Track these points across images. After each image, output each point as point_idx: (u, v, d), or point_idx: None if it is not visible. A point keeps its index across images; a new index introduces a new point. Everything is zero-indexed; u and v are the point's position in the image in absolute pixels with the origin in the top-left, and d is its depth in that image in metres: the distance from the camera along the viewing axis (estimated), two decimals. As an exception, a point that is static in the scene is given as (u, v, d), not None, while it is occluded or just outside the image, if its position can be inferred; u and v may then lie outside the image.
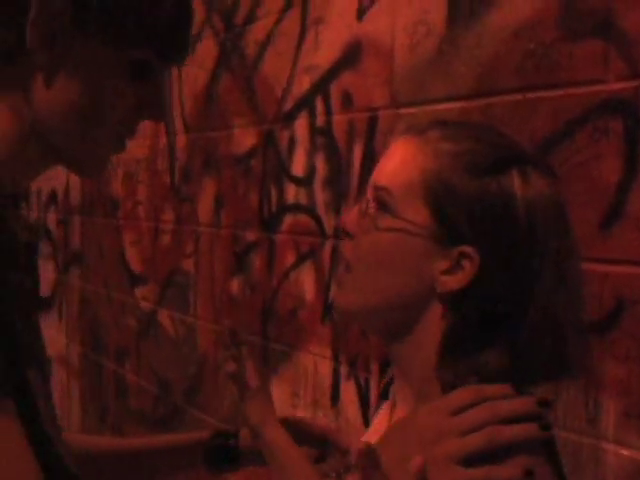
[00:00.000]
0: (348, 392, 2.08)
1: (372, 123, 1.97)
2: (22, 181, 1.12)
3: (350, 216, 1.10)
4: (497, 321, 1.01)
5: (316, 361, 2.21)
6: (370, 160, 1.99)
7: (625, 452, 1.38)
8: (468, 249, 1.01)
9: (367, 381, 2.01)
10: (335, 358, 2.13)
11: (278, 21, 2.34)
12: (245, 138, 2.56)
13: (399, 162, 1.06)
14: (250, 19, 2.49)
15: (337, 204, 2.12)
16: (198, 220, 2.87)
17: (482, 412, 0.96)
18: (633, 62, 1.35)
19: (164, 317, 3.15)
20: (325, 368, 2.18)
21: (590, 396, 1.43)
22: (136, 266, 3.41)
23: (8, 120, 1.04)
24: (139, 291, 3.39)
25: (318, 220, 2.20)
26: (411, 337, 1.06)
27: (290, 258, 2.34)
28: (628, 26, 1.35)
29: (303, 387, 2.26)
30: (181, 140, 2.99)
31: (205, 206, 2.82)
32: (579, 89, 1.44)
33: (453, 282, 1.02)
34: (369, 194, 1.08)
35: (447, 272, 1.02)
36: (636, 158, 1.35)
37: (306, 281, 2.26)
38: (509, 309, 1.01)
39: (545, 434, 0.95)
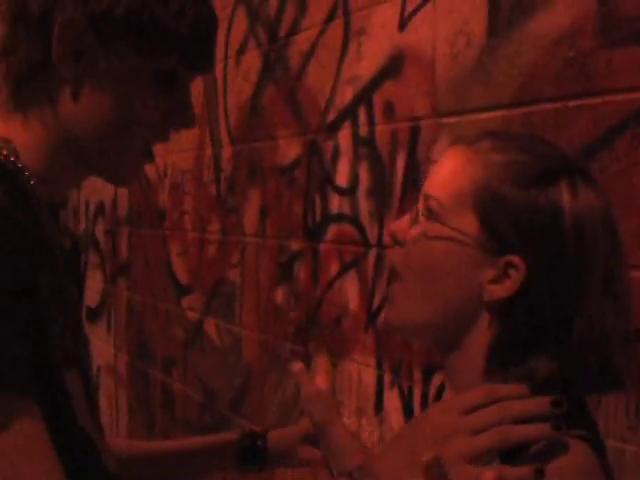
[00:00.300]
0: (392, 400, 2.09)
1: (414, 133, 1.99)
2: (59, 191, 1.15)
3: (401, 224, 1.12)
4: (545, 330, 1.03)
5: (360, 369, 2.23)
6: (413, 170, 2.00)
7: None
8: (515, 259, 1.02)
9: (410, 389, 2.02)
10: (379, 366, 2.14)
11: (321, 32, 2.37)
12: (289, 149, 2.59)
13: (449, 172, 1.09)
14: (293, 31, 2.52)
15: (380, 214, 2.14)
16: (244, 230, 2.90)
17: (494, 412, 0.97)
18: (673, 69, 1.36)
19: (210, 327, 3.18)
20: (369, 376, 2.19)
21: (631, 403, 1.43)
22: (183, 276, 3.45)
23: (39, 132, 1.07)
24: (185, 301, 3.43)
25: (362, 230, 2.22)
26: (461, 346, 1.08)
27: (334, 267, 2.36)
28: (667, 33, 1.36)
29: (347, 395, 2.28)
30: (227, 151, 3.03)
31: (250, 216, 2.85)
32: (618, 96, 1.44)
33: (500, 291, 1.04)
34: (420, 203, 1.11)
35: (494, 281, 1.04)
36: (676, 165, 1.35)
37: (350, 290, 2.28)
38: (555, 318, 1.02)
39: (556, 434, 0.95)
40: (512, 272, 1.03)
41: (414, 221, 1.10)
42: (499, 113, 1.71)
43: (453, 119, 1.85)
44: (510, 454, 0.96)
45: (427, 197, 1.09)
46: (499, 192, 1.04)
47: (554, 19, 1.55)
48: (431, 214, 1.07)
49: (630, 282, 1.09)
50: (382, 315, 1.20)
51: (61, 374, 1.01)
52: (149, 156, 1.14)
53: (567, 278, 1.02)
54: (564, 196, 1.03)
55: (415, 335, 1.19)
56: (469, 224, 1.05)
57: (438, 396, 1.24)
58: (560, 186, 1.03)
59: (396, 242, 1.11)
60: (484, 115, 1.76)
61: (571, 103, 1.52)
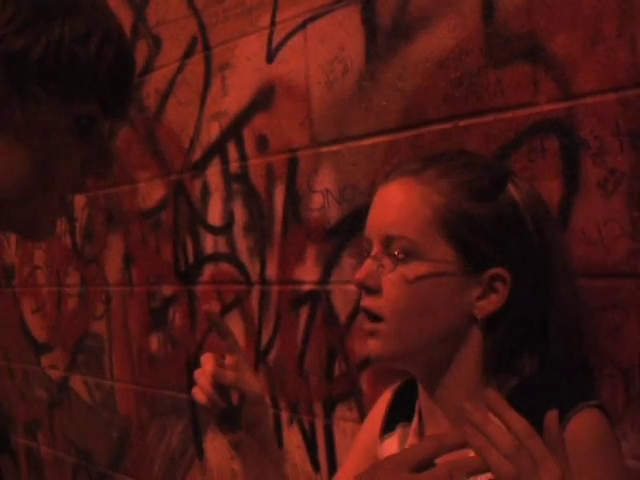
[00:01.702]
0: (292, 437, 2.04)
1: (292, 164, 1.96)
2: None
3: (367, 270, 1.12)
4: (528, 328, 1.09)
5: (253, 410, 2.17)
6: (292, 202, 1.98)
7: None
8: (498, 271, 1.07)
9: (312, 424, 1.98)
10: (274, 404, 2.10)
11: (180, 69, 2.32)
12: (152, 191, 2.51)
13: (404, 207, 1.10)
14: (148, 68, 2.45)
15: (261, 249, 2.10)
16: (107, 280, 2.79)
17: (440, 473, 0.95)
18: (564, 83, 1.39)
19: (77, 383, 3.04)
20: (264, 416, 2.13)
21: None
22: (40, 334, 3.29)
23: None
24: (46, 359, 3.26)
25: (241, 267, 2.17)
26: (451, 365, 1.11)
27: (214, 309, 2.29)
28: (555, 48, 1.39)
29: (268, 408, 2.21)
30: (79, 199, 2.91)
31: (113, 265, 2.75)
32: (510, 113, 1.47)
33: (490, 305, 1.08)
34: (377, 247, 1.10)
35: (482, 297, 1.08)
36: (576, 174, 1.38)
37: (234, 330, 2.22)
38: (539, 313, 1.09)
39: None
40: (498, 285, 1.07)
41: (379, 266, 1.09)
42: (384, 138, 1.71)
43: (334, 147, 1.84)
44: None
45: (392, 239, 1.09)
46: (464, 212, 1.07)
47: (437, 41, 1.56)
48: (406, 254, 1.08)
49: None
50: (367, 348, 1.17)
51: None
52: (63, 209, 1.06)
53: (541, 270, 1.08)
54: (515, 195, 1.09)
55: (405, 363, 1.18)
56: (445, 252, 1.07)
57: (389, 424, 1.22)
58: (509, 189, 1.10)
59: (369, 290, 1.10)
60: (367, 141, 1.75)
61: (462, 123, 1.54)
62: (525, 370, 1.07)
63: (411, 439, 1.21)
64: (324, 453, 1.95)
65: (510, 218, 1.08)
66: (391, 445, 1.22)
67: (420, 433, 1.21)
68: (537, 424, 0.93)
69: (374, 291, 1.11)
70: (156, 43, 2.41)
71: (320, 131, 1.88)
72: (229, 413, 1.26)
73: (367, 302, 1.13)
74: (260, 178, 2.08)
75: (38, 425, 3.37)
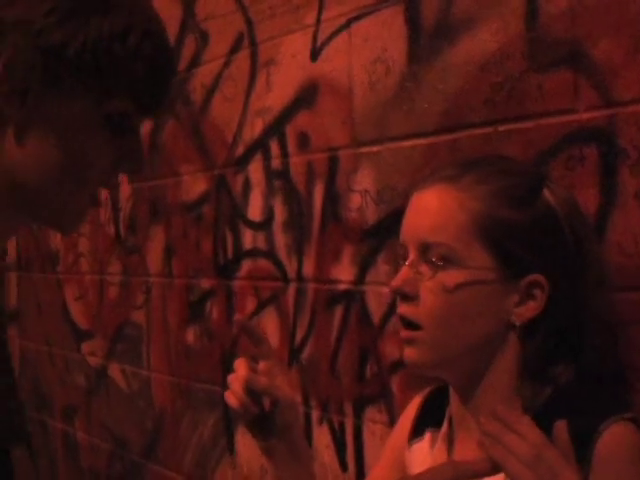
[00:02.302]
0: (322, 437, 2.04)
1: (332, 163, 1.96)
2: None
3: (403, 277, 1.12)
4: (569, 332, 1.09)
5: (285, 407, 2.17)
6: (331, 201, 1.97)
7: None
8: (537, 277, 1.07)
9: (342, 424, 1.98)
10: (306, 403, 2.10)
11: (226, 64, 2.33)
12: (195, 184, 2.52)
13: (441, 213, 1.10)
14: (195, 63, 2.47)
15: (299, 247, 2.10)
16: (148, 271, 2.81)
17: None
18: (604, 91, 1.37)
19: (115, 372, 3.07)
20: (295, 413, 2.14)
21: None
22: (81, 321, 3.33)
23: None
24: (86, 346, 3.30)
25: (279, 264, 2.17)
26: (488, 372, 1.11)
27: (250, 304, 2.30)
28: (597, 55, 1.37)
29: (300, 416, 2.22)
30: (125, 190, 2.94)
31: (155, 256, 2.77)
32: (550, 119, 1.45)
33: (528, 312, 1.08)
34: (414, 254, 1.10)
35: (520, 304, 1.08)
36: (613, 184, 1.36)
37: (269, 327, 2.23)
38: (576, 320, 1.09)
39: None
40: (536, 291, 1.07)
41: (415, 272, 1.08)
42: (423, 140, 1.70)
43: (374, 148, 1.83)
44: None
45: (430, 245, 1.09)
46: (501, 218, 1.07)
47: (479, 44, 1.55)
48: (445, 261, 1.08)
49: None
50: (403, 355, 1.17)
51: None
52: (94, 202, 1.07)
53: (577, 281, 1.09)
54: (552, 202, 1.09)
55: (442, 371, 1.18)
56: (483, 258, 1.07)
57: (418, 428, 1.23)
58: (545, 195, 1.10)
59: (406, 298, 1.10)
60: (407, 143, 1.74)
61: (501, 127, 1.52)
62: (560, 379, 1.07)
63: (439, 445, 1.21)
64: (352, 454, 1.95)
65: (547, 224, 1.08)
66: (420, 450, 1.22)
67: (450, 439, 1.20)
68: (570, 434, 0.93)
69: (411, 298, 1.11)
70: (203, 38, 2.42)
71: (361, 131, 1.87)
72: (261, 419, 1.26)
73: (404, 309, 1.13)
74: (300, 176, 2.08)
75: (75, 411, 3.41)
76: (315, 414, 2.07)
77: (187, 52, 2.50)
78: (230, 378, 1.26)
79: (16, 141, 0.96)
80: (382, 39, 1.78)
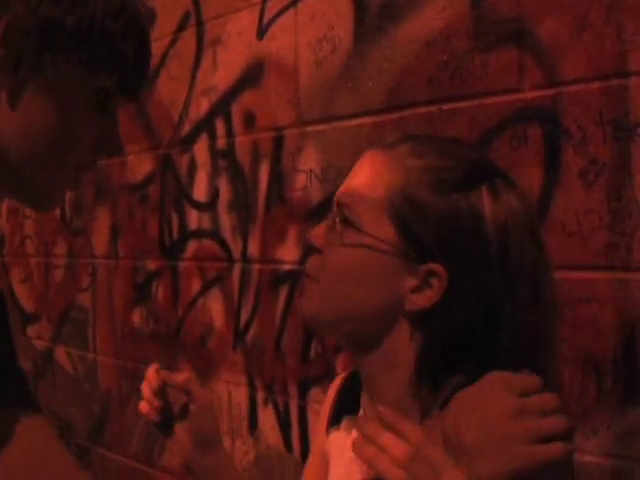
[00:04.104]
0: (267, 418, 2.03)
1: (278, 143, 1.95)
2: None
3: (317, 231, 1.08)
4: (472, 342, 1.00)
5: (230, 389, 2.16)
6: (277, 181, 1.96)
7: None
8: (436, 267, 0.99)
9: (287, 405, 1.97)
10: (250, 384, 2.08)
11: (172, 43, 2.30)
12: (140, 165, 2.49)
13: (365, 178, 1.04)
14: (141, 43, 2.43)
15: (244, 228, 2.08)
16: (93, 252, 2.78)
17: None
18: (549, 70, 1.37)
19: (61, 355, 3.03)
20: (240, 395, 2.13)
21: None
22: (27, 304, 3.28)
23: None
24: (32, 330, 3.25)
25: (224, 245, 2.15)
26: (379, 352, 1.05)
27: (196, 285, 2.28)
28: (542, 34, 1.37)
29: (218, 416, 2.20)
30: (70, 171, 2.89)
31: (100, 237, 2.73)
32: (495, 98, 1.45)
33: (422, 300, 1.01)
34: (334, 212, 1.06)
35: (416, 290, 1.01)
36: (557, 163, 1.36)
37: (214, 308, 2.21)
38: (482, 329, 0.99)
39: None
40: (433, 281, 1.00)
41: (331, 228, 1.06)
42: (369, 119, 1.69)
43: (320, 127, 1.82)
44: None
45: (342, 205, 1.05)
46: (417, 199, 1.00)
47: (425, 23, 1.54)
48: (346, 221, 1.03)
49: (556, 287, 1.08)
50: (297, 306, 1.16)
51: None
52: (75, 184, 1.05)
53: (491, 285, 0.99)
54: (485, 201, 1.00)
55: (329, 329, 1.13)
56: (387, 232, 1.01)
57: (335, 417, 1.19)
58: (481, 191, 1.00)
59: (313, 249, 1.07)
60: (353, 122, 1.73)
61: (446, 106, 1.52)
62: (461, 383, 0.97)
63: (355, 433, 1.16)
64: (297, 434, 1.94)
65: (467, 222, 0.99)
66: (337, 439, 1.16)
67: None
68: None
69: (317, 251, 1.07)
70: (150, 16, 2.38)
71: (306, 110, 1.86)
72: (172, 421, 1.25)
73: (308, 262, 1.09)
74: (246, 155, 2.06)
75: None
76: (260, 395, 2.05)
77: (133, 30, 2.46)
78: (142, 386, 1.25)
79: (9, 106, 0.95)
80: (328, 17, 1.76)
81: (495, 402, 0.90)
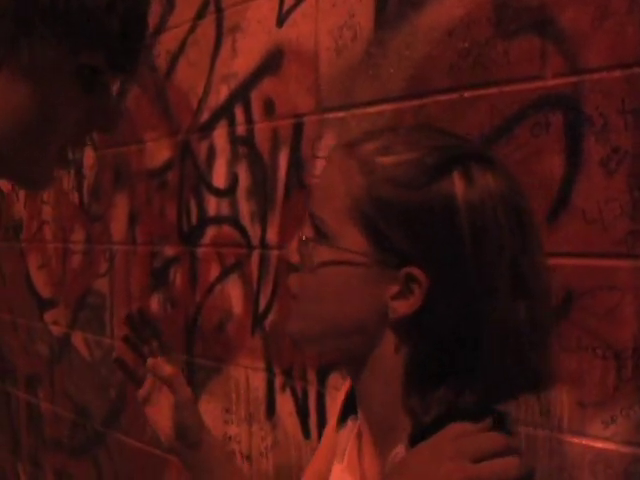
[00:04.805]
0: (285, 404, 2.04)
1: (297, 130, 1.95)
2: None
3: (292, 247, 1.02)
4: (460, 341, 0.93)
5: (248, 374, 2.17)
6: (296, 167, 1.96)
7: (582, 441, 1.39)
8: (414, 270, 0.92)
9: (305, 391, 1.98)
10: (269, 369, 2.09)
11: (191, 30, 2.30)
12: (159, 151, 2.50)
13: (328, 185, 0.98)
14: (160, 29, 2.44)
15: (263, 213, 2.09)
16: (111, 238, 2.79)
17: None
18: (571, 58, 1.37)
19: (78, 340, 3.05)
20: (258, 380, 2.14)
21: (542, 389, 1.44)
22: (44, 290, 3.30)
23: None
24: (49, 315, 3.27)
25: (243, 231, 2.16)
26: (368, 366, 0.99)
27: (214, 271, 2.29)
28: (565, 22, 1.37)
29: (235, 402, 2.22)
30: (89, 157, 2.91)
31: (118, 223, 2.75)
32: (516, 86, 1.45)
33: (405, 307, 0.93)
34: (307, 223, 1.00)
35: (398, 297, 0.94)
36: (578, 151, 1.37)
37: (233, 293, 2.22)
38: (468, 328, 0.93)
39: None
40: (414, 286, 0.92)
41: (304, 242, 0.99)
42: (389, 106, 1.69)
43: (340, 114, 1.82)
44: None
45: (312, 216, 0.98)
46: (383, 198, 0.92)
47: (446, 10, 1.54)
48: (319, 236, 0.97)
49: (546, 270, 0.99)
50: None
51: None
52: (65, 162, 1.05)
53: (470, 279, 0.92)
54: (457, 187, 0.91)
55: (314, 347, 1.13)
56: (358, 241, 0.94)
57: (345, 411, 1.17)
58: (452, 176, 0.91)
59: (292, 266, 1.02)
60: (372, 109, 1.74)
61: (467, 94, 1.52)
62: (448, 396, 0.93)
63: (352, 440, 1.11)
64: (315, 421, 1.95)
65: (439, 214, 0.90)
66: (344, 438, 1.12)
67: (359, 433, 1.10)
68: None
69: (295, 268, 1.01)
70: (169, 3, 2.39)
71: (326, 97, 1.86)
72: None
73: (290, 279, 1.03)
74: (265, 142, 2.06)
75: (39, 380, 3.38)
76: (278, 381, 2.07)
77: (153, 17, 2.46)
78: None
79: None
80: (349, 4, 1.76)
81: (441, 472, 0.88)
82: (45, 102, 0.97)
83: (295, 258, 1.01)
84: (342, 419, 1.14)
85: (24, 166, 1.01)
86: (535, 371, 0.97)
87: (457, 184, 0.91)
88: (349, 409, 1.13)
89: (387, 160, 0.93)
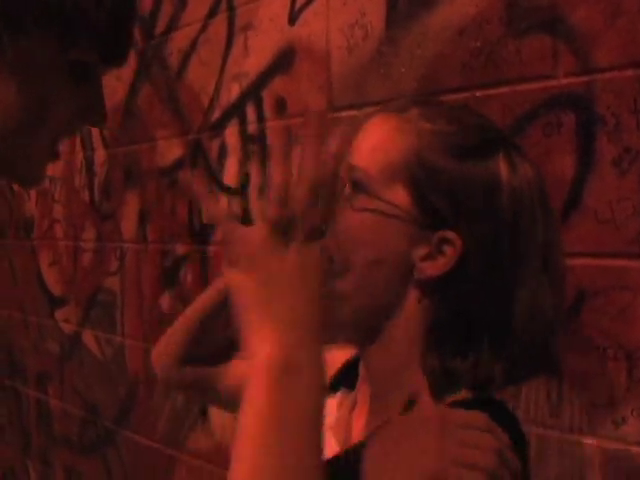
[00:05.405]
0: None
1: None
2: None
3: None
4: (484, 315, 0.96)
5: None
6: (307, 166, 1.96)
7: (592, 442, 1.38)
8: (450, 234, 0.95)
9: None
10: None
11: (203, 29, 2.30)
12: (170, 149, 2.50)
13: (377, 141, 1.00)
14: (171, 27, 2.44)
15: (274, 212, 2.08)
16: (122, 237, 2.79)
17: None
18: (583, 57, 1.36)
19: (89, 338, 3.06)
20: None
21: (552, 389, 1.44)
22: (55, 287, 3.30)
23: None
24: (60, 313, 3.28)
25: (254, 230, 2.16)
26: (386, 331, 0.99)
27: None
28: (576, 21, 1.36)
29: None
30: (99, 155, 2.91)
31: (129, 222, 2.75)
32: (528, 85, 1.44)
33: (433, 268, 0.96)
34: (343, 175, 1.00)
35: (426, 258, 0.96)
36: (590, 150, 1.36)
37: (243, 292, 2.22)
38: (494, 302, 0.96)
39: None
40: (446, 248, 0.95)
41: (343, 192, 1.01)
42: (401, 105, 1.69)
43: (351, 112, 1.82)
44: None
45: (352, 168, 0.99)
46: (433, 164, 0.96)
47: (458, 9, 1.54)
48: (357, 186, 0.99)
49: (565, 263, 1.04)
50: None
51: None
52: (54, 155, 1.04)
53: (504, 256, 0.96)
54: (502, 169, 0.96)
55: (347, 307, 1.03)
56: (400, 197, 0.97)
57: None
58: (498, 159, 0.97)
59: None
60: (384, 108, 1.73)
61: (479, 93, 1.52)
62: (481, 367, 0.95)
63: (344, 409, 1.10)
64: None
65: (483, 189, 0.95)
66: (330, 406, 1.08)
67: (353, 405, 1.09)
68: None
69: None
70: (181, 1, 2.39)
71: (338, 95, 1.86)
72: None
73: (325, 241, 1.05)
74: (277, 141, 2.06)
75: (49, 378, 3.39)
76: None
77: (164, 16, 2.47)
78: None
79: None
80: (360, 3, 1.76)
81: (419, 447, 0.88)
82: (35, 98, 0.96)
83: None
84: (333, 386, 1.13)
85: (17, 162, 1.01)
86: (553, 355, 0.99)
87: (502, 167, 0.96)
88: (341, 379, 1.13)
89: (430, 127, 0.97)
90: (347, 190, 1.00)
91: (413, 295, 0.98)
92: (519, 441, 0.94)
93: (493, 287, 0.96)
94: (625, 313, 1.34)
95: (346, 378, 1.13)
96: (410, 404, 0.97)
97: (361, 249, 0.99)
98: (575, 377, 1.40)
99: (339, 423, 1.09)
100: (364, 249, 0.98)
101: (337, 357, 1.19)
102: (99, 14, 0.95)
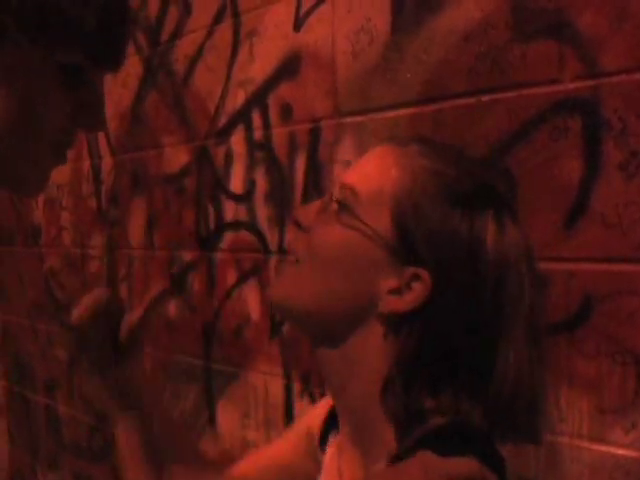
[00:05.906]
0: (303, 409, 2.04)
1: (315, 134, 1.95)
2: None
3: (307, 209, 1.05)
4: (452, 364, 0.94)
5: (266, 380, 2.17)
6: (314, 172, 1.96)
7: (602, 448, 1.38)
8: (423, 273, 0.94)
9: (323, 397, 1.97)
10: (286, 375, 2.09)
11: (209, 35, 2.30)
12: (176, 156, 2.50)
13: (373, 167, 1.01)
14: (177, 34, 2.44)
15: (280, 219, 2.09)
16: (129, 243, 2.79)
17: None
18: (589, 61, 1.36)
19: (97, 345, 3.05)
20: (276, 386, 2.13)
21: (561, 395, 1.43)
22: (63, 295, 3.31)
23: None
24: (67, 320, 3.28)
25: (260, 236, 2.16)
26: (341, 349, 0.99)
27: (232, 276, 2.29)
28: (582, 25, 1.36)
29: (254, 407, 2.22)
30: (107, 162, 2.91)
31: (136, 228, 2.75)
32: (534, 90, 1.44)
33: (398, 303, 0.95)
34: (334, 191, 1.02)
35: (394, 292, 0.96)
36: (597, 155, 1.36)
37: (250, 299, 2.22)
38: (468, 354, 0.94)
39: None
40: (416, 285, 0.95)
41: (324, 208, 1.02)
42: (407, 111, 1.69)
43: (357, 118, 1.82)
44: None
45: (344, 186, 1.00)
46: (421, 205, 0.96)
47: (463, 14, 1.54)
48: (344, 204, 0.99)
49: (544, 335, 1.01)
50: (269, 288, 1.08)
51: None
52: (60, 159, 1.03)
53: (480, 317, 0.95)
54: (489, 229, 0.95)
55: (291, 315, 1.08)
56: (383, 224, 0.97)
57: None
58: (487, 216, 0.96)
59: (299, 227, 1.03)
60: (390, 113, 1.73)
61: (485, 98, 1.51)
62: (461, 411, 0.93)
63: (333, 451, 1.11)
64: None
65: (464, 241, 0.94)
66: (332, 457, 1.11)
67: (340, 448, 1.09)
68: None
69: (303, 229, 1.02)
70: (186, 8, 2.39)
71: (344, 101, 1.86)
72: None
73: (293, 241, 1.05)
74: (283, 147, 2.06)
75: (57, 384, 3.39)
76: (296, 387, 2.06)
77: (170, 23, 2.47)
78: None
79: None
80: (366, 9, 1.76)
81: None
82: (26, 101, 0.94)
83: (308, 220, 1.02)
84: (323, 438, 1.14)
85: (15, 171, 0.99)
86: (537, 423, 0.98)
87: (490, 228, 0.95)
88: (330, 425, 1.14)
89: (429, 165, 0.97)
90: (334, 205, 1.01)
91: (374, 326, 0.97)
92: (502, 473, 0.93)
93: (463, 339, 0.94)
94: (633, 318, 1.33)
95: (334, 422, 1.12)
96: (396, 458, 0.94)
97: (332, 264, 0.98)
98: (584, 382, 1.40)
99: (330, 472, 1.10)
100: (335, 264, 0.98)
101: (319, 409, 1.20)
102: (84, 15, 0.93)
